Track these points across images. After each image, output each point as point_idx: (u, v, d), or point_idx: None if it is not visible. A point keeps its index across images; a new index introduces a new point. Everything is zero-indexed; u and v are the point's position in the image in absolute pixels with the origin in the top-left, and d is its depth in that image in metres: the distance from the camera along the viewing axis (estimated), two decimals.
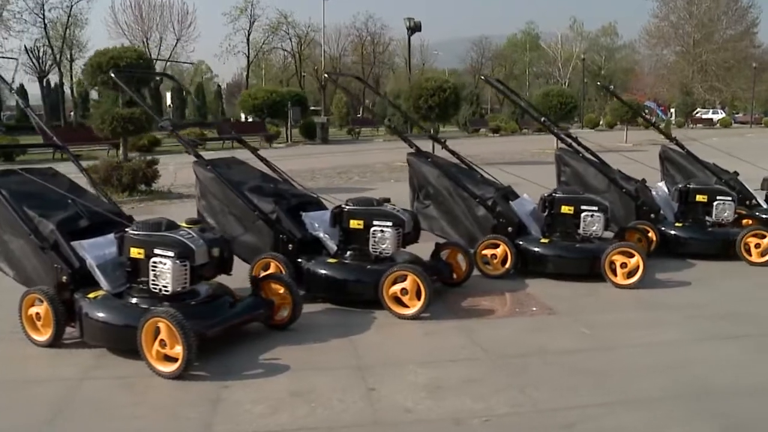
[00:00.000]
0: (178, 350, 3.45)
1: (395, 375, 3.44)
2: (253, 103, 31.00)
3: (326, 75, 7.78)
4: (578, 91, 46.83)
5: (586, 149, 6.88)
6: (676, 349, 3.72)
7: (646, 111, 53.25)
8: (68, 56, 50.10)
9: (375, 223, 4.66)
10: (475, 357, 3.68)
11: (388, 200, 5.00)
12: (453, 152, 6.22)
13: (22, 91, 57.27)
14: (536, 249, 5.32)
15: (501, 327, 4.22)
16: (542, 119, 6.81)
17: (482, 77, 6.71)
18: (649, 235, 5.98)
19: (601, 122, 41.70)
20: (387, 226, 4.62)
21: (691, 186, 6.17)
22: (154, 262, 3.76)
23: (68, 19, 46.50)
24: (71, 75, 50.73)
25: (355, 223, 4.73)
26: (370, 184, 12.98)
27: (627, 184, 6.27)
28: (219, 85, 78.74)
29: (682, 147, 7.39)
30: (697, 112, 46.78)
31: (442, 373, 3.46)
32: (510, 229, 5.41)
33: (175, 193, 11.30)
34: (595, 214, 5.25)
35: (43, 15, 45.62)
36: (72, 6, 46.72)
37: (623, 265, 5.00)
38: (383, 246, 4.63)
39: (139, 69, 10.87)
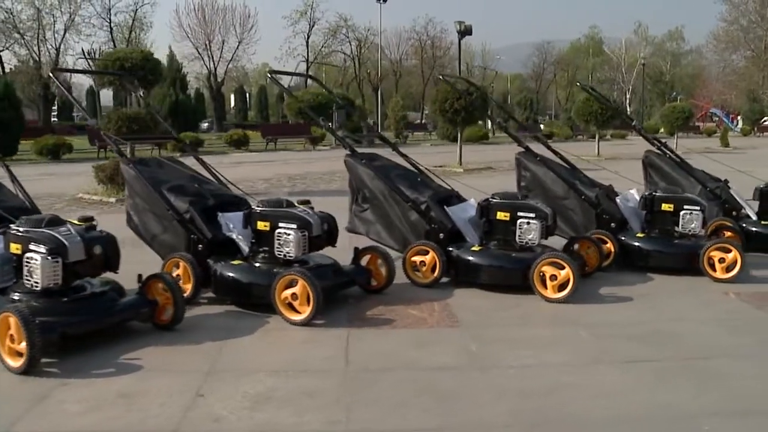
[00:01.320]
0: (23, 346, 3.38)
1: (237, 382, 3.26)
2: (298, 106, 31.29)
3: (269, 74, 7.27)
4: (639, 98, 45.28)
5: (556, 153, 6.52)
6: (555, 373, 3.37)
7: (715, 119, 50.89)
8: None
9: (280, 225, 4.50)
10: (332, 368, 3.45)
11: (307, 202, 4.84)
12: (402, 154, 6.00)
13: (92, 93, 60.13)
14: (468, 257, 5.02)
15: (388, 338, 3.96)
16: (497, 121, 6.47)
17: (440, 77, 6.33)
18: (607, 246, 5.57)
19: (661, 129, 40.01)
20: (291, 229, 4.45)
21: (656, 194, 5.72)
22: (28, 258, 3.73)
23: (132, 23, 48.23)
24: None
25: (262, 225, 4.58)
26: None
27: (588, 191, 5.87)
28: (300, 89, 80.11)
29: (665, 152, 6.90)
30: (765, 120, 44.32)
31: (286, 383, 3.26)
32: (441, 235, 5.14)
33: None
34: (532, 221, 4.91)
35: (110, 19, 47.58)
36: (137, 10, 48.51)
37: (553, 278, 4.65)
38: (287, 249, 4.46)
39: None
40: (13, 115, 21.90)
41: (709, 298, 4.76)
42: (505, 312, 4.48)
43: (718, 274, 5.24)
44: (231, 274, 4.54)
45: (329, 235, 4.69)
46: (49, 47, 47.92)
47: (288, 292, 4.18)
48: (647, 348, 3.73)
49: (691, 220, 5.52)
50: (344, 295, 4.82)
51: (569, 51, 67.31)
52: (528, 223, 4.92)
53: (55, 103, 55.57)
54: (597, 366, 3.47)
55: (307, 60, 62.07)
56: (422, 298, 4.76)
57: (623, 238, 5.64)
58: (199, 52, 54.71)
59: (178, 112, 26.20)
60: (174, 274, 4.73)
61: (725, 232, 6.04)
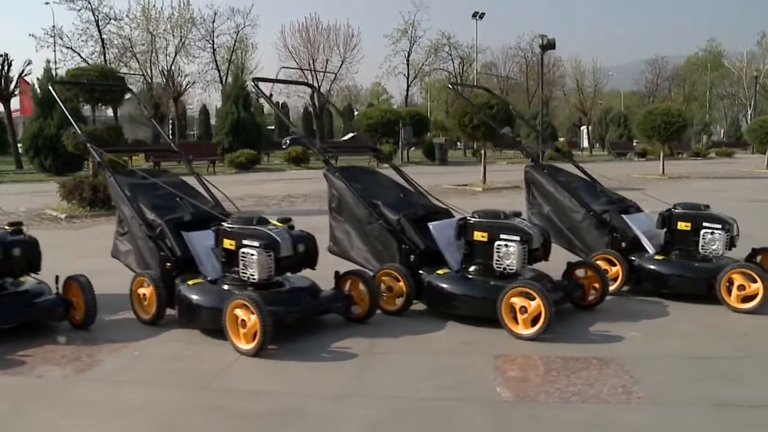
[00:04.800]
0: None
1: None
2: (367, 123, 30.98)
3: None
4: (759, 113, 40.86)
5: (398, 171, 5.46)
6: None
7: None
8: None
9: None
10: None
11: (17, 223, 4.22)
12: (196, 173, 5.24)
13: (204, 111, 63.43)
14: (186, 294, 4.12)
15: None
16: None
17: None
18: (399, 284, 4.46)
19: None
20: None
21: (470, 220, 4.52)
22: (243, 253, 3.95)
23: (234, 44, 50.29)
24: None
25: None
26: None
27: (392, 214, 4.73)
28: (390, 105, 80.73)
29: (542, 167, 5.60)
30: None
31: None
32: (168, 264, 4.28)
33: None
34: (255, 251, 3.93)
35: (213, 41, 49.90)
36: (238, 32, 50.59)
37: (242, 323, 3.67)
38: None
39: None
40: None
41: (445, 364, 3.55)
42: (172, 364, 3.58)
43: (520, 329, 4.00)
44: None
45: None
46: (161, 68, 50.78)
47: None
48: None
49: (507, 254, 4.30)
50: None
51: (685, 66, 62.39)
52: (252, 254, 3.95)
53: (170, 121, 58.59)
54: None
55: (408, 77, 62.16)
56: (106, 339, 3.98)
57: (425, 275, 4.50)
58: (303, 72, 56.30)
59: (239, 129, 26.58)
60: None
61: (586, 270, 4.71)
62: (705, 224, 4.95)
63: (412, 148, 34.80)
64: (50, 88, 4.93)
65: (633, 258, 5.08)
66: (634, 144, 35.64)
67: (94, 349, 3.86)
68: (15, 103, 30.30)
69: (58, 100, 5.01)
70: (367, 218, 4.80)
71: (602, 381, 3.29)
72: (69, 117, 4.80)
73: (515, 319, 3.99)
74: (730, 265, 4.67)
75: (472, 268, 4.46)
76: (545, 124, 36.70)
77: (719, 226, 4.90)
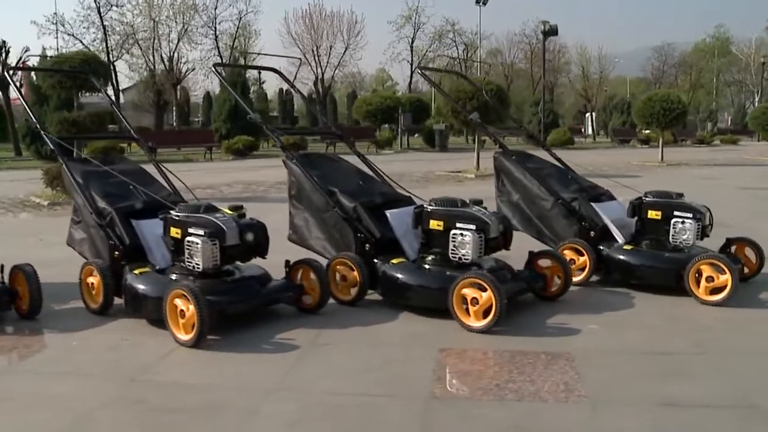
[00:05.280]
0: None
1: None
2: (366, 109, 30.80)
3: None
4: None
5: (362, 157, 5.33)
6: None
7: None
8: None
9: None
10: None
11: None
12: (154, 161, 5.10)
13: (208, 98, 63.13)
14: (133, 284, 4.01)
15: None
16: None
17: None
18: (354, 274, 4.35)
19: None
20: None
21: (427, 208, 4.39)
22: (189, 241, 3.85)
23: (237, 30, 50.01)
24: None
25: None
26: None
27: (349, 202, 4.61)
28: (394, 92, 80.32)
29: (510, 153, 5.45)
30: None
31: None
32: (116, 253, 4.18)
33: None
34: (199, 240, 3.82)
35: (215, 28, 49.60)
36: (241, 18, 50.27)
37: (182, 314, 3.58)
38: None
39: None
40: None
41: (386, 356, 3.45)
42: (109, 354, 3.48)
43: (471, 321, 3.88)
44: None
45: None
46: (163, 55, 50.53)
47: None
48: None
49: (462, 244, 4.16)
50: None
51: (692, 52, 61.65)
52: (196, 243, 3.84)
53: (172, 108, 58.07)
54: None
55: (411, 64, 61.80)
56: (51, 328, 3.92)
57: (379, 264, 4.38)
58: (306, 58, 56.00)
59: (237, 115, 26.48)
60: None
61: (550, 260, 4.58)
62: (676, 213, 4.80)
63: (416, 134, 34.63)
64: (5, 74, 4.83)
65: (602, 247, 4.95)
66: (643, 132, 35.30)
67: (33, 339, 3.78)
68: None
69: (12, 83, 4.90)
70: (324, 206, 4.68)
71: (545, 377, 3.16)
72: (24, 102, 4.68)
73: (467, 310, 3.87)
74: (698, 255, 4.52)
75: (428, 258, 4.34)
76: (548, 110, 36.36)
77: (690, 215, 4.75)
